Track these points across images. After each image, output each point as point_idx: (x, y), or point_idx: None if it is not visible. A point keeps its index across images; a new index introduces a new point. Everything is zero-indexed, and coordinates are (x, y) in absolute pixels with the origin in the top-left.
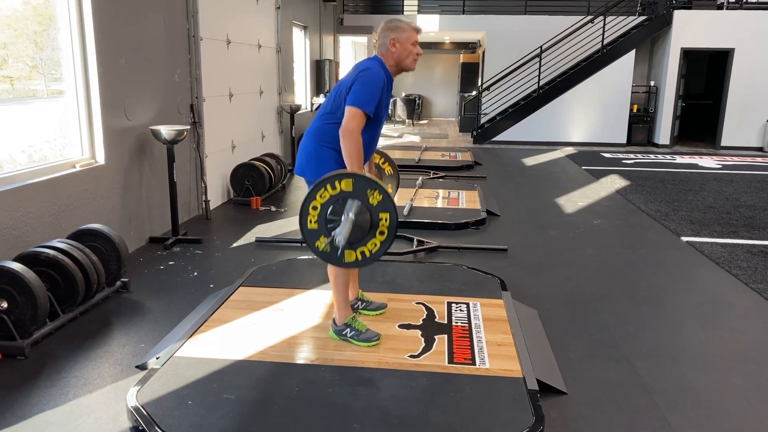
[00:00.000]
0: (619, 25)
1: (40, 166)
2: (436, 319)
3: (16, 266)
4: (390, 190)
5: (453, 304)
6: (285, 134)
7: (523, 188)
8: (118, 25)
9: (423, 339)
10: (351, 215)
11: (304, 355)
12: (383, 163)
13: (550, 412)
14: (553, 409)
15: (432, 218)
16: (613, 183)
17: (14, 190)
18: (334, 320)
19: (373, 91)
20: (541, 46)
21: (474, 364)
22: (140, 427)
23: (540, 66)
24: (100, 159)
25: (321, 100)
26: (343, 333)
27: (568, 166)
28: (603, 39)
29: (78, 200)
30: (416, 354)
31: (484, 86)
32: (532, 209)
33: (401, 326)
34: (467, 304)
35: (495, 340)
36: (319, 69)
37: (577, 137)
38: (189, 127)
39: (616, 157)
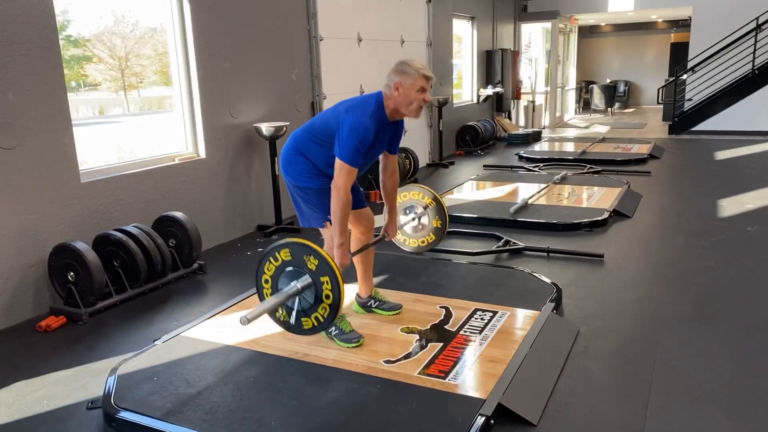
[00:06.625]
0: None
1: (137, 159)
2: (446, 326)
3: (80, 245)
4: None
5: (479, 311)
6: (434, 128)
7: (689, 186)
8: (221, 34)
9: (414, 345)
10: (287, 289)
11: (286, 347)
12: (423, 197)
13: None
14: None
15: (541, 218)
16: None
17: (106, 180)
18: None
19: (359, 147)
20: (757, 18)
21: (444, 378)
22: (105, 393)
23: (755, 42)
24: (202, 154)
25: (488, 91)
26: (329, 330)
27: None
28: None
29: (174, 190)
30: (393, 360)
31: (688, 68)
32: (678, 211)
33: (404, 330)
34: (494, 313)
35: (491, 356)
36: (490, 59)
37: None
38: (288, 123)
39: None
